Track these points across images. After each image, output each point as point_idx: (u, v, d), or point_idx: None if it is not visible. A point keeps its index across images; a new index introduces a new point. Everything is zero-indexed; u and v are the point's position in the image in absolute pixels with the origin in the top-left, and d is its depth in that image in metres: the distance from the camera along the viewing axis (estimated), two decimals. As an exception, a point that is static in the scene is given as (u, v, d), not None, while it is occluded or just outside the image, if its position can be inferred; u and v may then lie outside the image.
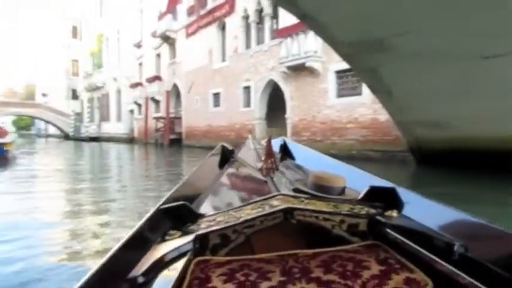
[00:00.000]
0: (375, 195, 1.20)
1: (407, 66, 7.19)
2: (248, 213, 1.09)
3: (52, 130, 51.57)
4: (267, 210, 1.07)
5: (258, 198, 1.19)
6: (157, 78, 26.63)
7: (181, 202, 1.18)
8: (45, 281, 2.73)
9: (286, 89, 15.03)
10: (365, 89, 10.84)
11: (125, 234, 1.00)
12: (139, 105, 29.89)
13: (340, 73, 12.74)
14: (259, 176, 1.77)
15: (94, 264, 0.84)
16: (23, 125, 71.85)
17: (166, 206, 1.18)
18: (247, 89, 17.60)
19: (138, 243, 1.03)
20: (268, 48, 16.02)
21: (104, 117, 36.93)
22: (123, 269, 0.91)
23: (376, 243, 1.00)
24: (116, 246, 0.94)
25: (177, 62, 24.07)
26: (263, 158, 1.81)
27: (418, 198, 1.17)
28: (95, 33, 38.40)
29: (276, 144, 2.09)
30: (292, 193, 1.24)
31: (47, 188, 7.59)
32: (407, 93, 8.00)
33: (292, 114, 14.84)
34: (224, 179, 1.88)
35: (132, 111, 31.62)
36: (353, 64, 8.43)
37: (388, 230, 1.02)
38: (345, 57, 8.19)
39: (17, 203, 5.86)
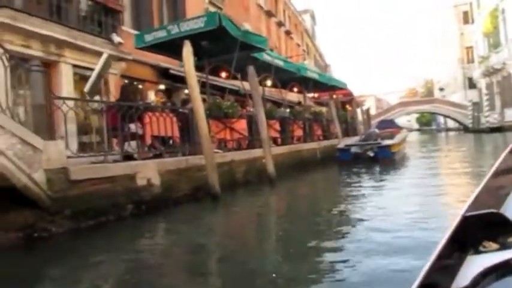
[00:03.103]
0: None
1: None
2: None
3: (451, 123, 50.50)
4: None
5: None
6: None
7: (491, 210, 1.09)
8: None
9: None
10: None
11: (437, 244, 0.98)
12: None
13: None
14: None
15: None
16: (424, 121, 75.56)
17: (475, 213, 1.10)
18: None
19: (452, 254, 0.98)
20: None
21: (507, 103, 31.39)
22: (444, 281, 0.89)
23: None
24: (432, 256, 0.92)
25: None
26: None
27: None
28: (487, 11, 33.78)
29: None
30: None
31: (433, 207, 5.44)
32: None
33: None
34: None
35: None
36: None
37: None
38: None
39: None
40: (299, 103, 15.58)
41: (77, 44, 8.50)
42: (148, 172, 6.00)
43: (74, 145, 6.24)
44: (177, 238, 4.70)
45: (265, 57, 10.23)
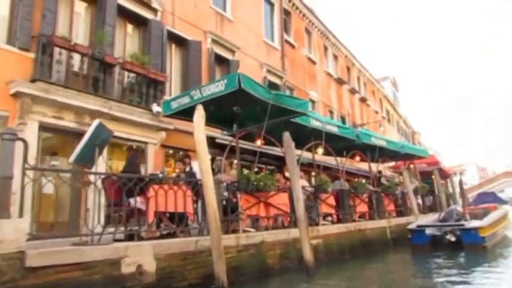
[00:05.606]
0: None
1: None
2: None
3: None
4: None
5: None
6: None
7: None
8: None
9: None
10: None
11: None
12: None
13: None
14: None
15: None
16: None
17: None
18: None
19: None
20: None
21: None
22: None
23: None
24: None
25: None
26: None
27: None
28: None
29: None
30: None
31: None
32: None
33: None
34: None
35: None
36: None
37: None
38: None
39: None
40: (379, 173, 13.80)
41: (113, 115, 8.39)
42: (140, 256, 5.00)
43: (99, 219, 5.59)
44: None
45: (313, 122, 9.12)
